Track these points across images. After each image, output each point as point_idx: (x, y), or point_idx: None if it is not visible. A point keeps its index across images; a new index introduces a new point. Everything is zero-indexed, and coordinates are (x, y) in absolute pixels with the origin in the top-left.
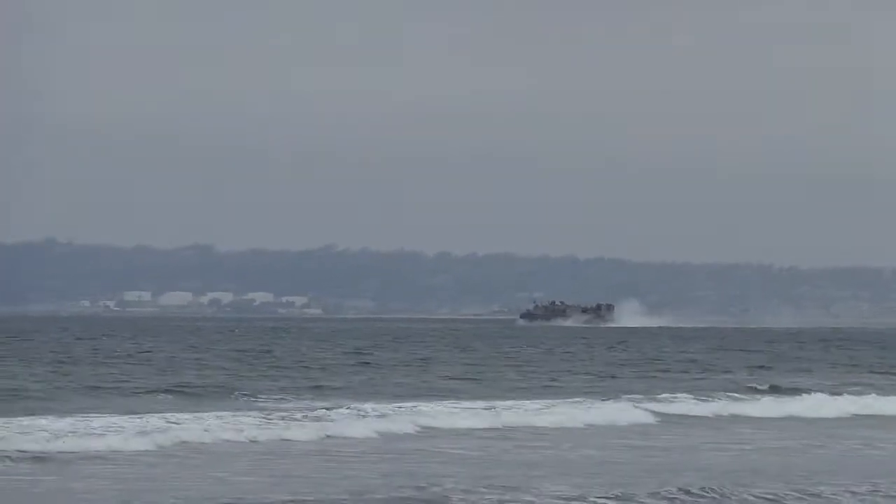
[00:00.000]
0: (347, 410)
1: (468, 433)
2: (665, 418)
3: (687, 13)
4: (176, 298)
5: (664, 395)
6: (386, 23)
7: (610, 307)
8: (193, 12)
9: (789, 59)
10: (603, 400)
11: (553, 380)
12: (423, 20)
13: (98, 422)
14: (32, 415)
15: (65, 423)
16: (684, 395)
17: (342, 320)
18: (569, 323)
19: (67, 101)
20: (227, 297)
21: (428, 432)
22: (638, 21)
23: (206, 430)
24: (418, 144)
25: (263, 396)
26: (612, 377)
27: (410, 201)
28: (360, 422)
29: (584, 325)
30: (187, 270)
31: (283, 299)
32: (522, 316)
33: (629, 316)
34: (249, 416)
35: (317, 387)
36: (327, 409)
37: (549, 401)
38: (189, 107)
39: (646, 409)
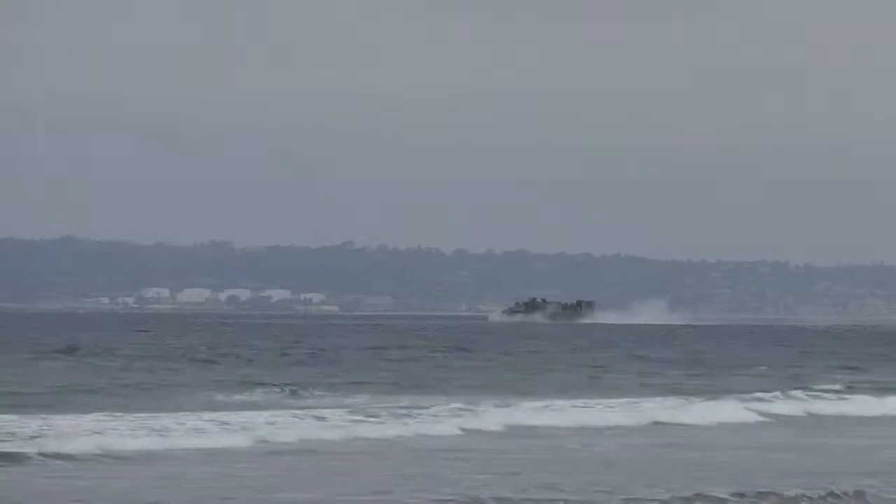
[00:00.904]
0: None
1: (622, 433)
2: (782, 419)
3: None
4: (194, 295)
5: (764, 394)
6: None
7: (590, 304)
8: (218, 7)
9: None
10: (709, 399)
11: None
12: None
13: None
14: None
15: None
16: (798, 392)
17: (368, 317)
18: (545, 319)
19: (84, 98)
20: (244, 294)
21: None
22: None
23: (332, 427)
24: (434, 141)
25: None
26: (705, 375)
27: (427, 199)
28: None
29: (562, 322)
30: (205, 267)
31: (301, 296)
32: (503, 313)
33: (653, 313)
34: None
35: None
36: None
37: (665, 399)
38: (207, 104)
39: (757, 411)
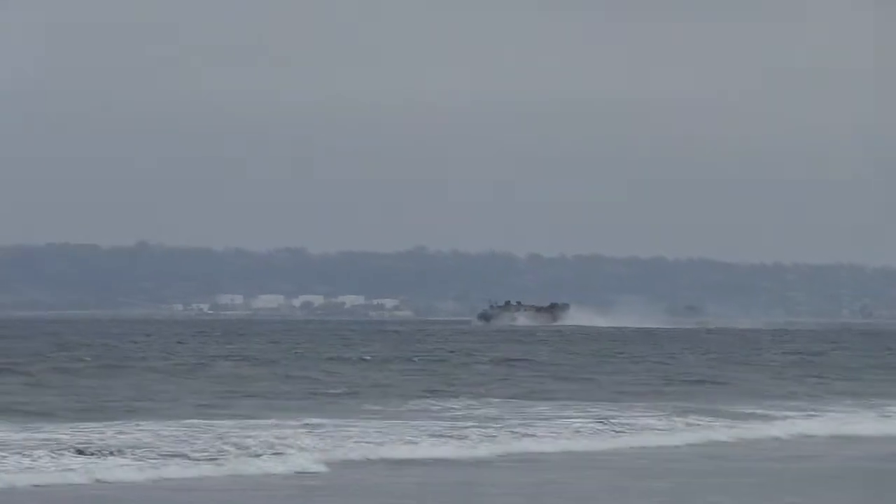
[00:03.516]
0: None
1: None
2: None
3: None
4: (268, 301)
5: None
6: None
7: (565, 306)
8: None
9: None
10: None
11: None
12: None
13: None
14: None
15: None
16: None
17: (444, 323)
18: (520, 322)
19: (157, 99)
20: (318, 300)
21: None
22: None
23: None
24: (504, 145)
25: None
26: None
27: (500, 203)
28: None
29: (535, 324)
30: (279, 273)
31: (375, 301)
32: (479, 316)
33: (631, 316)
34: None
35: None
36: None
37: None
38: (282, 109)
39: None
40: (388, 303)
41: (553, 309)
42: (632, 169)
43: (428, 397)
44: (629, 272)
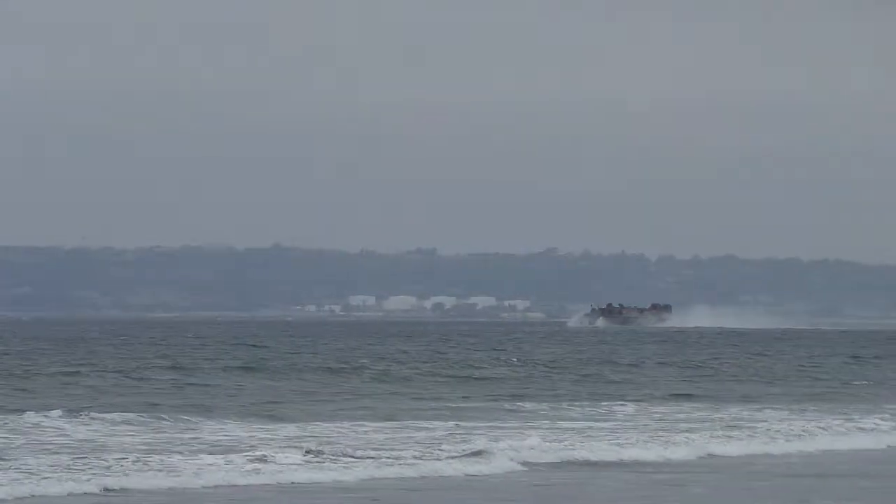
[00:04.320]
0: None
1: None
2: None
3: None
4: (400, 302)
5: None
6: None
7: (667, 307)
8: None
9: None
10: None
11: None
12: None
13: None
14: None
15: None
16: None
17: (541, 324)
18: (632, 325)
19: (281, 104)
20: (450, 301)
21: None
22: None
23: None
24: (640, 147)
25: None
26: None
27: (632, 203)
28: None
29: (635, 327)
30: (411, 275)
31: (506, 303)
32: (585, 316)
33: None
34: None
35: None
36: None
37: None
38: (419, 111)
39: None
40: (520, 304)
41: (655, 310)
42: (762, 169)
43: (595, 400)
44: (763, 273)
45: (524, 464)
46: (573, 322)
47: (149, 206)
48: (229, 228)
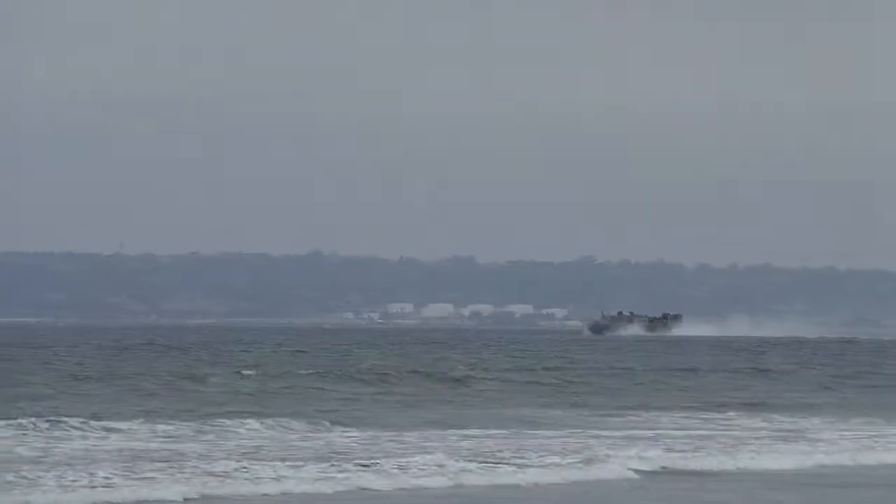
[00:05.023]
0: None
1: None
2: None
3: None
4: (437, 310)
5: None
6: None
7: (677, 317)
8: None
9: None
10: None
11: None
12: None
13: None
14: None
15: None
16: None
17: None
18: (630, 332)
19: (323, 110)
20: (487, 309)
21: None
22: None
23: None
24: (678, 153)
25: None
26: None
27: (669, 213)
28: None
29: (648, 334)
30: (447, 282)
31: (544, 311)
32: (591, 327)
33: (741, 325)
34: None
35: None
36: None
37: None
38: (461, 122)
39: None
40: (558, 312)
41: (665, 319)
42: (797, 173)
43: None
44: (798, 282)
45: (637, 471)
46: (586, 330)
47: (186, 214)
48: (266, 235)
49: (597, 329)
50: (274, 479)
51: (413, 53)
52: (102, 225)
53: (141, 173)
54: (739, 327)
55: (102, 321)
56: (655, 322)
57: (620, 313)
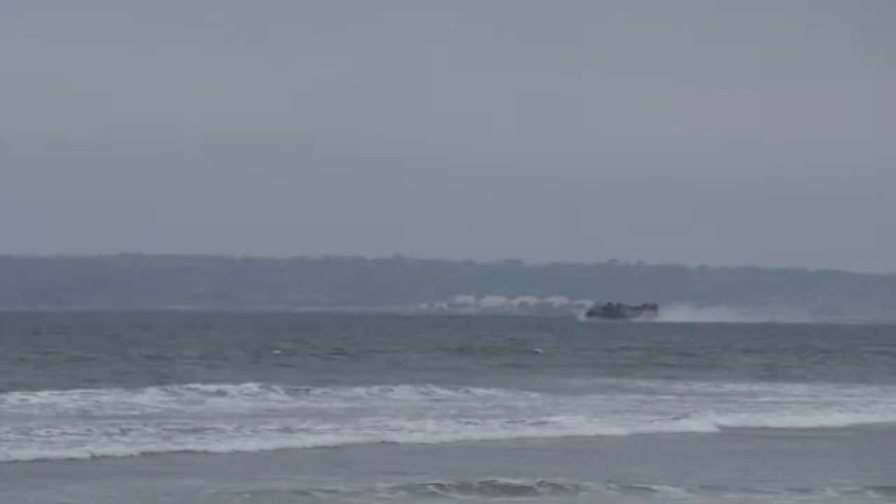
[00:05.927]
0: None
1: None
2: None
3: None
4: (493, 301)
5: None
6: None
7: (654, 305)
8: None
9: None
10: None
11: None
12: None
13: None
14: None
15: None
16: None
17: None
18: (622, 321)
19: (403, 127)
20: (532, 301)
21: None
22: None
23: None
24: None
25: None
26: None
27: (677, 218)
28: None
29: (639, 321)
30: (502, 280)
31: (577, 302)
32: (587, 314)
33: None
34: None
35: None
36: None
37: None
38: (520, 129)
39: None
40: (588, 303)
41: (646, 308)
42: (806, 173)
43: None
44: (790, 284)
45: (720, 427)
46: (581, 317)
47: (299, 224)
48: (360, 241)
49: (590, 315)
50: (435, 432)
51: (478, 87)
52: (233, 233)
53: (265, 191)
54: (713, 314)
55: (237, 309)
56: (638, 310)
57: (610, 304)
